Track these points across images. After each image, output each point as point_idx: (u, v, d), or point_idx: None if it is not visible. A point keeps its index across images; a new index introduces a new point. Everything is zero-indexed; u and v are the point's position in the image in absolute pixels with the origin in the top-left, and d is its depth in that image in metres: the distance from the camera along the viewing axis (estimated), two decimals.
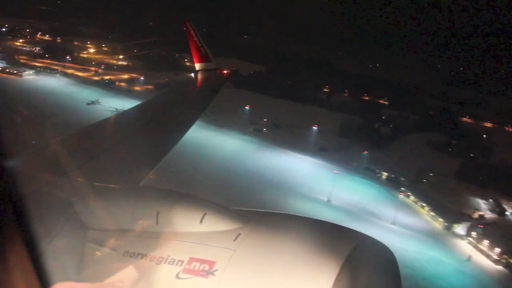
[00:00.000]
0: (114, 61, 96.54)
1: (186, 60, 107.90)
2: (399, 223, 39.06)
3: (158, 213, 3.17)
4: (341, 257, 2.46)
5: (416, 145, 65.48)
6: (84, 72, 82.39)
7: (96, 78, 79.45)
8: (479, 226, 40.48)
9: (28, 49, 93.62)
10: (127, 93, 71.78)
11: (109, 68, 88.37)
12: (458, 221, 40.73)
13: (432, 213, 41.72)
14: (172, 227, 3.09)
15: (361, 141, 61.82)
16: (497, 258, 35.36)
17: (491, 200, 47.35)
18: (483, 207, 46.56)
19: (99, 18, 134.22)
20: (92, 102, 63.97)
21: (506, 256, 35.28)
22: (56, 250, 2.91)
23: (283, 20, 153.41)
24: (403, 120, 77.42)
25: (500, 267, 34.84)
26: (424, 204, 43.40)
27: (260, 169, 46.78)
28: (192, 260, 2.74)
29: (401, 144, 65.79)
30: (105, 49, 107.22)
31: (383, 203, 43.00)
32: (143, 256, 2.94)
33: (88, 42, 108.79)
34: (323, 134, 63.50)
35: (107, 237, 3.20)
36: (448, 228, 39.79)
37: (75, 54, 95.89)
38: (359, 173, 50.50)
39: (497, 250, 35.73)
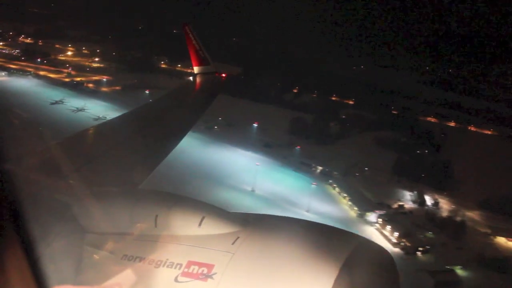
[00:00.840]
0: (90, 63, 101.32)
1: (163, 62, 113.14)
2: (313, 211, 42.80)
3: (156, 216, 3.17)
4: (340, 259, 2.50)
5: (365, 143, 69.14)
6: (56, 73, 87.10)
7: (67, 79, 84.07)
8: (394, 214, 44.41)
9: (7, 51, 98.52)
10: (92, 93, 76.36)
11: (83, 70, 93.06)
12: (373, 210, 44.48)
13: (350, 203, 45.50)
14: (171, 230, 3.09)
15: (309, 139, 65.82)
16: (396, 241, 39.17)
17: (415, 192, 51.01)
18: (407, 199, 50.24)
19: (88, 21, 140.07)
20: (56, 102, 68.41)
21: (404, 240, 39.11)
22: (54, 253, 2.91)
23: (256, 19, 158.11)
24: (360, 119, 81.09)
25: (397, 249, 38.59)
26: (345, 195, 47.16)
27: (196, 162, 50.85)
28: (190, 263, 2.75)
29: (350, 141, 69.49)
30: (85, 51, 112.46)
31: (306, 193, 46.81)
32: (141, 259, 2.94)
33: (70, 45, 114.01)
34: (274, 131, 67.45)
35: (105, 240, 3.19)
36: (361, 216, 43.50)
37: (53, 56, 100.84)
38: (293, 167, 54.41)
39: (396, 234, 39.55)
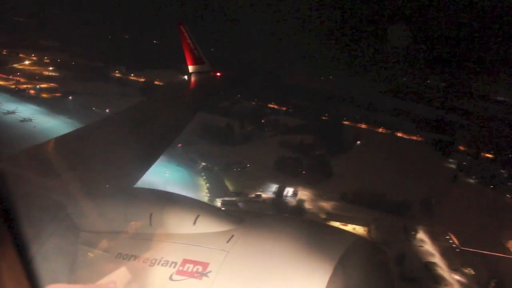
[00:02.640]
0: (44, 72, 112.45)
1: (117, 71, 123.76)
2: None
3: (151, 214, 3.30)
4: (334, 257, 2.61)
5: (269, 144, 77.46)
6: (5, 81, 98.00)
7: (12, 86, 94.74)
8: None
9: None
10: (30, 99, 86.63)
11: (32, 78, 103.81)
12: (224, 196, 52.75)
13: (207, 190, 53.93)
14: (166, 229, 3.22)
15: (213, 139, 74.40)
16: None
17: (281, 185, 59.09)
18: (270, 190, 58.26)
19: (64, 31, 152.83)
20: None
21: None
22: (48, 252, 3.01)
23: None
24: (279, 124, 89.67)
25: None
26: (208, 185, 55.62)
27: None
28: (185, 261, 2.87)
29: (255, 143, 77.89)
30: (46, 60, 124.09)
31: (176, 183, 55.26)
32: (136, 257, 3.06)
33: (33, 54, 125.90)
34: (183, 134, 76.24)
35: (100, 239, 3.32)
36: (210, 201, 51.81)
37: (10, 65, 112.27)
38: (178, 163, 63.10)
39: None
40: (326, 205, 56.46)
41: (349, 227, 49.53)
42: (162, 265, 2.93)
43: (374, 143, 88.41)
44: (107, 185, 4.97)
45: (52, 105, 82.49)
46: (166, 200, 3.61)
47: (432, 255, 48.29)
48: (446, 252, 48.50)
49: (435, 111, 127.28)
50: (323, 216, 52.19)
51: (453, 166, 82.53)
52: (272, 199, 55.22)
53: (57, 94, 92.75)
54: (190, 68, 13.86)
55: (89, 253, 3.28)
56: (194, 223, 3.15)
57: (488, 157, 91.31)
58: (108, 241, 3.33)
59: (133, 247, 3.16)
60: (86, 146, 6.38)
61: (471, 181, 76.46)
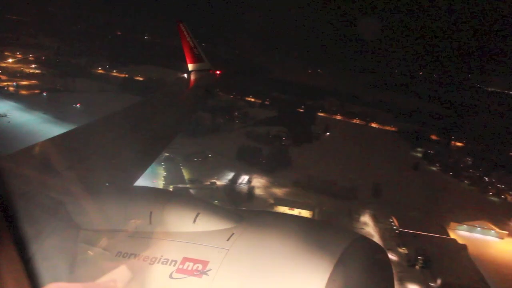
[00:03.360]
0: (26, 69, 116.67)
1: (100, 68, 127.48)
2: None
3: (151, 213, 3.35)
4: (334, 256, 2.65)
5: (236, 136, 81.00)
6: None
7: None
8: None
9: None
10: (7, 95, 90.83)
11: (14, 75, 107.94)
12: (178, 184, 56.52)
13: (163, 178, 57.79)
14: (165, 227, 3.27)
15: (183, 132, 77.78)
16: None
17: (237, 173, 62.74)
18: (226, 178, 61.93)
19: (53, 29, 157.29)
20: None
21: None
22: (48, 251, 3.04)
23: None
24: (250, 116, 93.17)
25: None
26: (165, 173, 59.43)
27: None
28: (185, 260, 2.91)
29: (223, 135, 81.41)
30: (31, 58, 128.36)
31: None
32: (136, 256, 3.10)
33: (19, 52, 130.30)
34: None
35: (100, 237, 3.35)
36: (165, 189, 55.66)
37: None
38: None
39: None
40: (277, 191, 59.98)
41: (295, 211, 53.18)
42: (162, 263, 2.97)
43: (344, 133, 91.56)
44: (107, 184, 5.01)
45: (29, 101, 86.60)
46: (166, 198, 3.65)
47: (371, 236, 51.68)
48: (385, 234, 51.91)
49: (416, 102, 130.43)
50: (271, 201, 55.72)
51: (419, 154, 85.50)
52: (225, 186, 58.82)
53: (36, 91, 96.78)
54: (190, 66, 14.10)
55: (89, 251, 3.30)
56: (194, 221, 3.20)
57: (458, 146, 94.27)
58: (108, 240, 3.35)
59: (133, 246, 3.21)
60: (86, 145, 6.43)
61: (434, 168, 79.54)
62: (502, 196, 69.26)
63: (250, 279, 2.71)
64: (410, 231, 51.45)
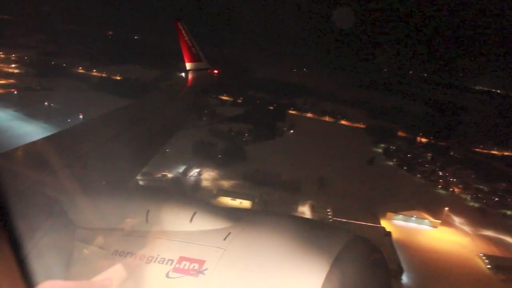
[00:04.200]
0: (5, 69, 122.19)
1: (81, 68, 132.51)
2: None
3: (148, 211, 3.43)
4: (330, 255, 2.71)
5: (200, 133, 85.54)
6: None
7: None
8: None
9: None
10: None
11: None
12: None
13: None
14: (162, 226, 3.34)
15: None
16: None
17: (188, 166, 67.26)
18: (178, 171, 66.47)
19: (44, 28, 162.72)
20: None
21: None
22: (43, 249, 3.05)
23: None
24: (216, 114, 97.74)
25: None
26: None
27: None
28: (182, 259, 2.96)
29: (187, 132, 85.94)
30: (13, 58, 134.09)
31: None
32: (132, 255, 3.16)
33: (1, 52, 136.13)
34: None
35: (96, 236, 3.42)
36: None
37: None
38: None
39: None
40: (224, 183, 64.38)
41: (237, 201, 57.72)
42: (158, 262, 3.03)
43: (309, 130, 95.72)
44: (104, 182, 5.06)
45: (3, 99, 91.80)
46: (163, 197, 3.74)
47: None
48: None
49: (397, 100, 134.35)
50: (214, 192, 60.21)
51: (380, 150, 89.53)
52: (174, 178, 63.37)
53: (12, 90, 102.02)
54: (188, 66, 14.30)
55: (85, 250, 3.35)
56: (191, 220, 3.27)
57: (423, 142, 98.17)
58: (104, 238, 3.40)
59: (129, 244, 3.26)
60: (83, 143, 6.49)
61: (390, 163, 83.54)
62: (450, 189, 73.13)
63: (247, 279, 2.75)
64: (342, 219, 55.63)
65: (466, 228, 60.24)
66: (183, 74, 14.58)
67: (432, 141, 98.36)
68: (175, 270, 2.96)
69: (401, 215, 59.57)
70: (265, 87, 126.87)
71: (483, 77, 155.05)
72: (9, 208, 2.39)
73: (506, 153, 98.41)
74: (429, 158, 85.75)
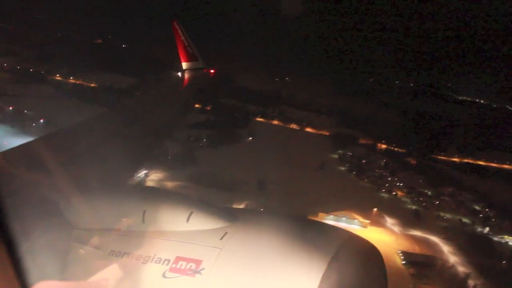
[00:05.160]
0: None
1: (58, 74, 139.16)
2: None
3: (144, 211, 3.57)
4: (327, 255, 2.84)
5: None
6: None
7: None
8: None
9: None
10: None
11: None
12: None
13: None
14: (159, 226, 3.48)
15: None
16: None
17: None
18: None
19: (30, 35, 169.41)
20: None
21: None
22: (39, 250, 3.18)
23: None
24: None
25: None
26: None
27: None
28: (178, 259, 3.09)
29: None
30: None
31: None
32: (129, 255, 3.29)
33: None
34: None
35: (92, 236, 3.55)
36: None
37: None
38: None
39: None
40: (168, 183, 69.68)
41: None
42: (155, 262, 3.15)
43: (269, 137, 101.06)
44: (100, 182, 5.17)
45: None
46: (159, 197, 3.90)
47: None
48: None
49: (373, 109, 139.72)
50: None
51: (336, 156, 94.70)
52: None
53: None
54: (184, 65, 14.68)
55: (81, 250, 3.44)
56: (187, 220, 3.39)
57: (382, 149, 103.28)
58: (100, 238, 3.51)
59: (126, 245, 3.38)
60: (79, 143, 6.63)
61: (342, 168, 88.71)
62: (393, 193, 78.02)
63: (244, 278, 2.87)
64: None
65: (395, 228, 65.02)
66: (179, 74, 14.96)
67: (392, 148, 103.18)
68: (172, 270, 3.07)
69: (332, 216, 64.55)
70: (240, 95, 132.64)
71: (471, 88, 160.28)
72: (5, 209, 2.47)
73: (465, 160, 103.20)
74: (383, 164, 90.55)
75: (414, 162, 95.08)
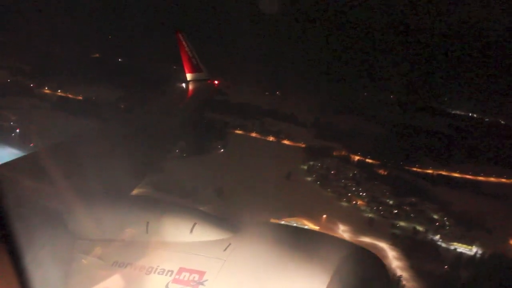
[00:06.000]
0: None
1: (45, 88, 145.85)
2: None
3: (148, 223, 3.85)
4: (331, 266, 3.01)
5: None
6: None
7: None
8: None
9: None
10: None
11: None
12: None
13: None
14: (162, 237, 3.75)
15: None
16: None
17: None
18: None
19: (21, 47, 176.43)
20: None
21: None
22: (43, 260, 3.37)
23: None
24: None
25: None
26: None
27: None
28: (182, 270, 3.33)
29: None
30: None
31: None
32: (132, 265, 3.53)
33: None
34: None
35: (96, 247, 3.80)
36: None
37: None
38: None
39: None
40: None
41: None
42: (158, 273, 3.39)
43: (242, 148, 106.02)
44: (104, 193, 5.46)
45: None
46: (163, 208, 4.11)
47: None
48: None
49: (355, 122, 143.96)
50: None
51: (305, 167, 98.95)
52: None
53: None
54: (188, 76, 15.28)
55: (84, 261, 3.67)
56: (191, 231, 3.65)
57: (354, 161, 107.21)
58: (104, 249, 3.76)
59: (129, 255, 3.61)
60: (83, 154, 7.00)
61: (308, 178, 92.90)
62: (354, 202, 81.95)
63: None
64: None
65: (345, 234, 68.90)
66: (183, 85, 15.45)
67: (366, 160, 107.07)
68: (175, 281, 3.36)
69: (283, 221, 68.70)
70: (224, 108, 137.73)
71: (455, 100, 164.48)
72: (9, 219, 2.54)
73: (439, 172, 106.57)
74: (351, 175, 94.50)
75: (385, 173, 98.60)
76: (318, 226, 68.58)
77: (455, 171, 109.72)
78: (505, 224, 79.60)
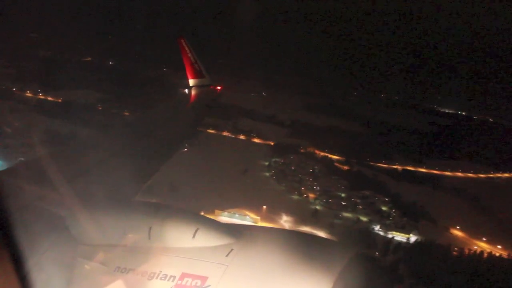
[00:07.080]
0: None
1: (27, 91, 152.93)
2: None
3: (150, 228, 3.87)
4: (334, 272, 3.04)
5: None
6: None
7: None
8: None
9: None
10: None
11: None
12: None
13: None
14: (164, 242, 3.78)
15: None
16: None
17: None
18: None
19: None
20: None
21: None
22: (45, 265, 3.40)
23: None
24: None
25: None
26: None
27: None
28: (184, 275, 3.36)
29: None
30: None
31: None
32: (134, 271, 3.56)
33: None
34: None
35: (98, 252, 3.83)
36: None
37: None
38: None
39: None
40: None
41: None
42: (160, 278, 3.42)
43: (209, 146, 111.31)
44: (107, 198, 5.50)
45: None
46: (165, 213, 4.15)
47: None
48: None
49: (336, 121, 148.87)
50: None
51: (266, 163, 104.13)
52: None
53: None
54: (191, 82, 15.74)
55: (86, 266, 3.71)
56: (193, 236, 3.67)
57: (319, 157, 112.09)
58: (106, 254, 3.81)
59: (131, 261, 3.66)
60: (86, 159, 7.12)
61: (266, 174, 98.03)
62: (304, 195, 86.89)
63: None
64: None
65: (286, 224, 73.98)
66: (186, 91, 15.71)
67: (331, 156, 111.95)
68: (177, 286, 3.37)
69: (226, 212, 74.25)
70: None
71: (435, 98, 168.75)
72: (12, 224, 2.58)
73: (405, 168, 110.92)
74: (310, 170, 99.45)
75: (346, 168, 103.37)
76: (259, 216, 73.63)
77: (422, 167, 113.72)
78: (452, 215, 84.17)
